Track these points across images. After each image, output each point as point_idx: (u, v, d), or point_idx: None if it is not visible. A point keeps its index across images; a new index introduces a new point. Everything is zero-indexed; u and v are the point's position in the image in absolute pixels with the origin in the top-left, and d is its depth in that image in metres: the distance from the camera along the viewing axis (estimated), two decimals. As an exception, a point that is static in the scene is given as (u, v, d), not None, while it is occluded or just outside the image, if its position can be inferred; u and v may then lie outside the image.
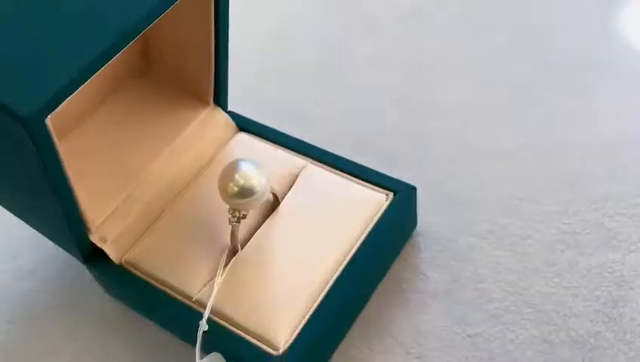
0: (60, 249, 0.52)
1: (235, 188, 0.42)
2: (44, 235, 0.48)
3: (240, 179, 0.42)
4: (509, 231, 0.49)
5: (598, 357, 0.43)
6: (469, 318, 0.45)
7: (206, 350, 0.42)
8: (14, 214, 0.48)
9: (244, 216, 0.43)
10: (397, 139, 0.56)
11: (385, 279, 0.48)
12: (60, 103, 0.34)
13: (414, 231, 0.50)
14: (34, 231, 0.52)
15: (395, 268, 0.48)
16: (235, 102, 0.53)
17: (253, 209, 0.43)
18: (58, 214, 0.41)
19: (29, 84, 0.33)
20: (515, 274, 0.47)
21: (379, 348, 0.45)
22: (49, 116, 0.34)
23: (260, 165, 0.43)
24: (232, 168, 0.42)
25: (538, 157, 0.53)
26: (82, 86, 0.35)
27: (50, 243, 0.53)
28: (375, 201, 0.46)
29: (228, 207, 0.43)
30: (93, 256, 0.46)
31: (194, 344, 0.42)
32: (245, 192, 0.42)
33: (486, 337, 0.44)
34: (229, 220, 0.43)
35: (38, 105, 0.33)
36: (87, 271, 0.50)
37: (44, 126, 0.34)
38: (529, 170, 0.53)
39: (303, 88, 0.61)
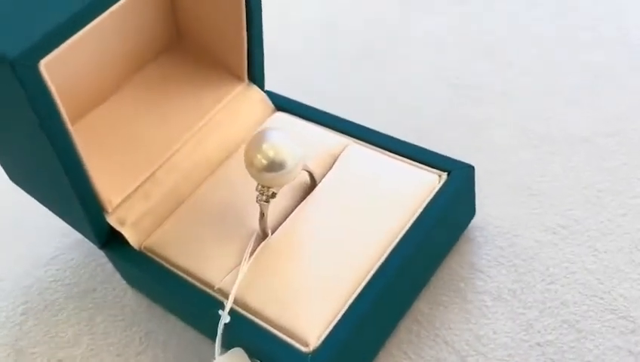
0: (82, 238, 0.48)
1: (264, 161, 0.36)
2: (62, 218, 0.44)
3: (269, 150, 0.36)
4: (585, 227, 0.42)
5: (699, 374, 0.35)
6: (538, 324, 0.38)
7: (228, 345, 0.37)
8: (33, 196, 0.45)
9: (274, 195, 0.38)
10: (453, 126, 0.50)
11: (437, 276, 0.41)
12: (52, 47, 0.30)
13: (471, 224, 0.43)
14: (54, 219, 0.48)
15: (449, 264, 0.42)
16: (275, 86, 0.49)
17: (284, 185, 0.38)
18: (67, 187, 0.37)
19: (19, 28, 0.30)
20: (594, 275, 0.40)
21: (430, 354, 0.38)
22: (42, 61, 0.30)
23: (293, 136, 0.37)
24: (260, 139, 0.37)
25: (619, 145, 0.46)
26: (80, 33, 0.31)
27: (72, 232, 0.49)
28: (426, 182, 0.40)
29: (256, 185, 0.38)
30: (111, 241, 0.42)
31: (215, 337, 0.37)
32: (275, 165, 0.36)
33: (559, 346, 0.37)
34: (257, 198, 0.38)
35: (28, 46, 0.29)
36: (109, 261, 0.47)
37: (37, 70, 0.30)
38: (609, 158, 0.46)
39: (351, 72, 0.56)
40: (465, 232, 0.43)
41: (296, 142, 0.37)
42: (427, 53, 0.56)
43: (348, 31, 0.60)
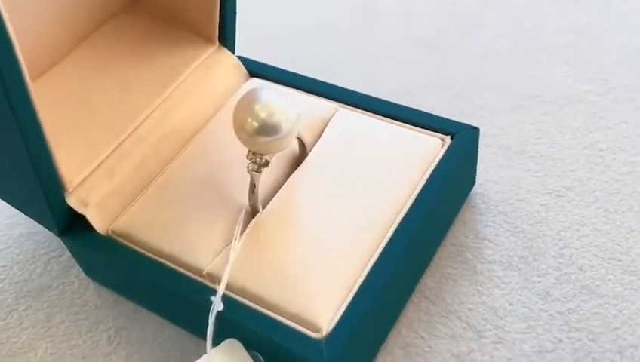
0: (32, 225, 0.42)
1: (255, 124, 0.32)
2: (11, 202, 0.38)
3: (261, 111, 0.32)
4: (591, 187, 0.40)
5: None
6: (556, 291, 0.36)
7: (217, 337, 0.32)
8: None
9: (267, 163, 0.33)
10: (436, 91, 0.47)
11: (441, 247, 0.38)
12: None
13: (471, 191, 0.40)
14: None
15: (453, 234, 0.39)
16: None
17: (278, 151, 0.33)
18: (23, 161, 0.31)
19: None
20: (607, 236, 0.38)
21: (443, 332, 0.35)
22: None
23: (287, 95, 0.33)
24: (251, 98, 0.32)
25: (614, 103, 0.44)
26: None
27: (16, 224, 0.43)
28: (429, 147, 0.37)
29: (245, 153, 0.33)
30: (71, 227, 0.36)
31: (203, 333, 0.32)
32: (268, 128, 0.32)
33: (581, 314, 0.35)
34: (248, 168, 0.33)
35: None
36: (65, 252, 0.41)
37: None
38: (606, 117, 0.44)
39: (332, 42, 0.51)
40: (465, 200, 0.40)
41: (291, 103, 0.33)
42: (400, 23, 0.52)
43: (316, 4, 0.56)
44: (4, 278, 0.40)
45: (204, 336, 0.31)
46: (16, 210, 0.43)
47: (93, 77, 0.39)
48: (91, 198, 0.35)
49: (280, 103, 0.32)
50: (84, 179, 0.35)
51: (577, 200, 0.39)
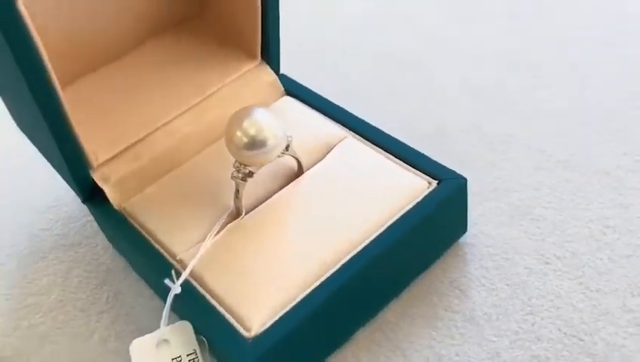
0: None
1: (245, 139, 0.35)
2: (54, 168, 0.44)
3: (250, 127, 0.35)
4: (583, 261, 0.39)
5: None
6: (506, 354, 0.36)
7: (180, 317, 0.36)
8: (34, 144, 0.45)
9: (251, 174, 0.37)
10: (470, 136, 0.47)
11: (413, 287, 0.39)
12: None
13: (462, 239, 0.41)
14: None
15: (429, 277, 0.40)
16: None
17: (262, 165, 0.36)
18: (51, 139, 0.37)
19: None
20: (578, 314, 0.37)
21: (384, 365, 0.36)
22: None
23: (278, 115, 0.36)
24: (242, 115, 0.36)
25: (635, 177, 0.43)
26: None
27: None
28: (413, 187, 0.38)
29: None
30: (94, 196, 0.42)
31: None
32: (255, 144, 0.35)
33: (522, 382, 0.35)
34: (232, 175, 0.37)
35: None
36: (98, 219, 0.47)
37: (14, 7, 0.30)
38: (626, 194, 0.42)
39: (378, 75, 0.54)
40: (453, 247, 0.41)
41: (279, 123, 0.36)
42: (459, 64, 0.53)
43: (386, 41, 0.58)
44: (48, 229, 0.47)
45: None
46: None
47: (143, 75, 0.45)
48: (112, 176, 0.41)
49: (267, 122, 0.36)
50: (111, 159, 0.41)
51: (562, 271, 0.39)
